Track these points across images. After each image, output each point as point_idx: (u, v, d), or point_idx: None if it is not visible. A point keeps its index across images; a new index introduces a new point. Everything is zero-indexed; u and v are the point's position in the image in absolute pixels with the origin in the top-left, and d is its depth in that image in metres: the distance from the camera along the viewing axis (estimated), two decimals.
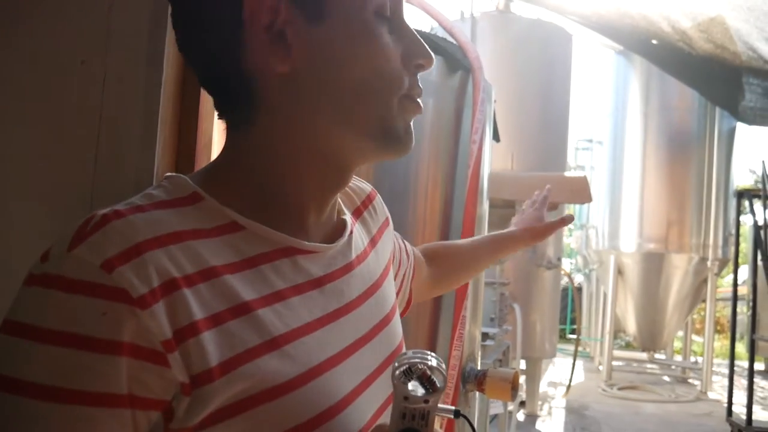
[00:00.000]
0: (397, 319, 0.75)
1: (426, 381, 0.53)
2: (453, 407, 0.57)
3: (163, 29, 0.76)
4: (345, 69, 0.59)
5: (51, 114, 0.79)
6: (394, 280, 0.85)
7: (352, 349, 0.62)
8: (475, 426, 0.65)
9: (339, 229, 0.69)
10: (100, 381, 0.46)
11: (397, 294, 0.88)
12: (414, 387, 0.53)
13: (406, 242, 0.98)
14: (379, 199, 0.83)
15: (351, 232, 0.70)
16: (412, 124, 0.63)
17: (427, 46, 0.63)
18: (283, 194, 0.61)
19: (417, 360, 0.53)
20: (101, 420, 0.46)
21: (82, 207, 0.76)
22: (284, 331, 0.55)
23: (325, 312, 0.61)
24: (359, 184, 0.81)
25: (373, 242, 0.76)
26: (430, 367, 0.53)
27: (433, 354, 0.55)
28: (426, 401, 0.53)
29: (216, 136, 0.82)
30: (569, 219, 1.29)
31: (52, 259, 0.49)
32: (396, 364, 0.53)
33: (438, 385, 0.53)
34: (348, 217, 0.72)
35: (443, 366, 0.54)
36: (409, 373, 0.53)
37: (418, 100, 0.63)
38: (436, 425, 0.54)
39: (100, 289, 0.46)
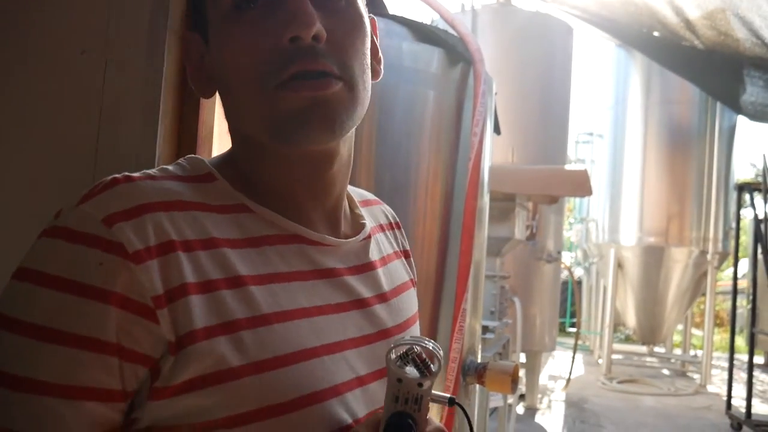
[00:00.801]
0: (413, 332, 0.74)
1: (421, 364, 0.53)
2: (447, 395, 0.56)
3: (164, 18, 0.75)
4: (225, 80, 0.61)
5: (51, 104, 0.79)
6: None
7: (354, 343, 0.62)
8: (474, 418, 0.64)
9: (355, 230, 0.70)
10: (90, 326, 0.49)
11: None
12: (408, 370, 0.52)
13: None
14: (403, 232, 0.84)
15: (369, 236, 0.71)
16: (319, 108, 0.57)
17: (303, 10, 0.56)
18: (271, 182, 0.62)
19: (413, 343, 0.53)
20: (88, 363, 0.49)
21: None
22: (276, 310, 0.56)
23: (327, 302, 0.61)
24: (390, 211, 0.84)
25: (394, 256, 0.77)
26: (426, 351, 0.53)
27: (430, 340, 0.54)
28: (420, 385, 0.52)
29: (217, 126, 0.82)
30: None
31: (62, 214, 0.52)
32: (392, 346, 0.53)
33: (432, 369, 0.52)
34: (368, 222, 0.72)
35: (440, 351, 0.53)
36: (405, 356, 0.53)
37: (304, 76, 0.56)
38: (434, 414, 0.53)
39: (99, 241, 0.50)
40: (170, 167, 0.60)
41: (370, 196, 0.82)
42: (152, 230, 0.51)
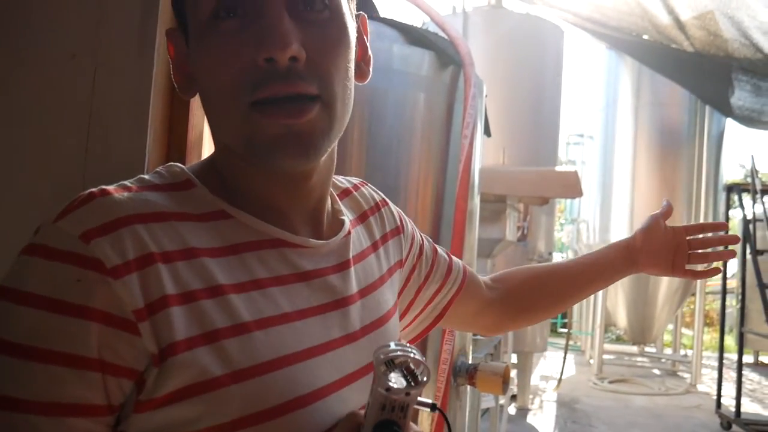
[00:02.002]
0: (392, 324, 0.74)
1: (409, 374, 0.52)
2: (430, 401, 0.56)
3: (154, 22, 0.76)
4: (203, 87, 0.61)
5: (41, 107, 0.79)
6: (407, 285, 0.84)
7: (336, 344, 0.62)
8: (466, 419, 0.65)
9: (335, 228, 0.69)
10: (71, 343, 0.49)
11: (413, 302, 0.86)
12: (396, 379, 0.52)
13: (457, 261, 0.93)
14: (390, 209, 0.82)
15: (348, 233, 0.70)
16: (295, 129, 0.55)
17: (280, 30, 0.53)
18: (251, 188, 0.62)
19: (401, 352, 0.53)
20: (71, 380, 0.49)
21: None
22: (257, 317, 0.56)
23: (309, 305, 0.61)
24: (370, 191, 0.81)
25: (374, 246, 0.76)
26: (415, 361, 0.53)
27: (413, 347, 0.54)
28: (407, 394, 0.52)
29: (207, 130, 0.82)
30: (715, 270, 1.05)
31: (40, 231, 0.52)
32: (380, 356, 0.53)
33: (420, 379, 0.52)
34: (347, 218, 0.72)
35: (424, 359, 0.53)
36: (392, 364, 0.52)
37: (282, 102, 0.54)
38: (425, 427, 0.54)
39: (76, 258, 0.49)
40: (147, 176, 0.60)
41: (348, 183, 0.79)
42: (130, 244, 0.51)
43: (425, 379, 0.52)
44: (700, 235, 1.01)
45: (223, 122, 0.59)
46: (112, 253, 0.50)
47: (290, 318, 0.58)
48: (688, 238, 1.00)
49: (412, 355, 0.53)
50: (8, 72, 0.80)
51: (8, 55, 0.80)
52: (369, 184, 0.83)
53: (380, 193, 0.83)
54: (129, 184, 0.57)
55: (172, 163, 0.63)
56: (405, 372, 0.52)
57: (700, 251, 1.00)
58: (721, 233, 1.03)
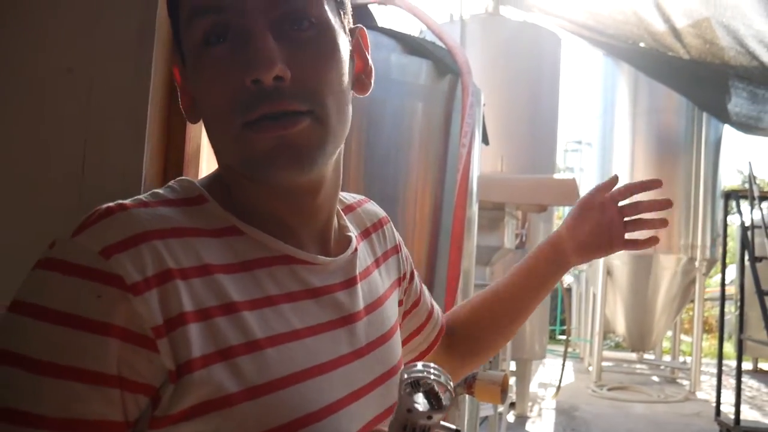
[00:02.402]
0: (396, 340, 0.74)
1: (433, 397, 0.52)
2: (455, 427, 0.55)
3: (151, 37, 0.76)
4: (200, 110, 0.62)
5: (38, 122, 0.79)
6: (399, 307, 0.84)
7: (344, 360, 0.63)
8: (464, 427, 0.65)
9: (343, 245, 0.70)
10: (91, 359, 0.49)
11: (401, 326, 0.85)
12: (419, 401, 0.52)
13: (436, 307, 0.93)
14: (390, 226, 0.83)
15: (356, 250, 0.71)
16: (290, 145, 0.56)
17: (263, 52, 0.54)
18: (259, 205, 0.62)
19: (426, 374, 0.52)
20: (90, 396, 0.49)
21: (70, 215, 0.76)
22: (269, 334, 0.56)
23: (318, 321, 0.62)
24: (373, 208, 0.82)
25: (377, 263, 0.77)
26: (439, 384, 0.52)
27: (441, 369, 0.54)
28: (429, 417, 0.52)
29: (205, 144, 0.82)
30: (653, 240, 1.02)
31: (57, 246, 0.52)
32: (405, 376, 0.52)
33: (444, 403, 0.52)
34: (354, 234, 0.73)
35: (451, 383, 0.53)
36: (416, 386, 0.52)
37: (272, 118, 0.55)
38: None
39: (96, 274, 0.49)
40: (161, 191, 0.60)
41: (352, 199, 0.81)
42: (149, 260, 0.51)
43: (448, 403, 0.52)
44: (635, 199, 1.00)
45: (220, 143, 0.61)
46: (133, 269, 0.50)
47: (301, 335, 0.59)
48: (620, 204, 0.98)
49: (438, 378, 0.52)
50: (4, 85, 0.80)
51: (4, 68, 0.80)
52: (372, 201, 0.84)
53: (380, 209, 0.84)
54: (145, 199, 0.57)
55: (183, 177, 0.64)
56: (429, 394, 0.52)
57: (634, 217, 1.00)
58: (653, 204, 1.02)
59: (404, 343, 0.85)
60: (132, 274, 0.50)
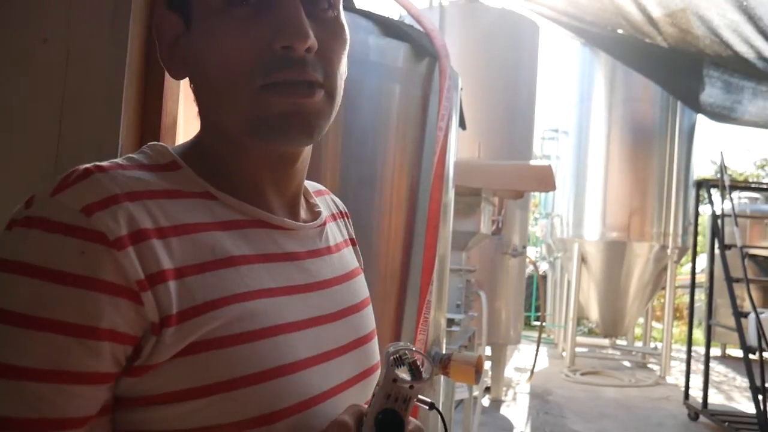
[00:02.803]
0: (368, 313, 0.77)
1: (415, 369, 0.58)
2: (430, 400, 0.62)
3: (127, 7, 0.75)
4: (205, 70, 0.62)
5: (13, 93, 0.78)
6: None
7: (314, 322, 0.65)
8: (445, 417, 0.70)
9: (313, 217, 0.73)
10: (76, 313, 0.50)
11: None
12: (403, 372, 0.58)
13: None
14: (350, 221, 0.87)
15: (324, 223, 0.74)
16: (305, 110, 0.59)
17: (299, 22, 0.58)
18: (237, 171, 0.64)
19: (409, 350, 0.59)
20: (78, 350, 0.50)
21: (45, 186, 0.75)
22: (245, 290, 0.58)
23: (289, 283, 0.64)
24: (337, 200, 0.86)
25: (346, 243, 0.81)
26: (421, 359, 0.59)
27: (420, 351, 0.61)
28: (411, 387, 0.57)
29: (182, 116, 0.82)
30: None
31: (36, 204, 0.53)
32: (391, 350, 0.58)
33: (424, 375, 0.58)
34: (323, 211, 0.76)
35: (431, 359, 0.59)
36: (401, 360, 0.58)
37: (292, 84, 0.59)
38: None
39: (78, 231, 0.51)
40: (135, 156, 0.61)
41: (320, 187, 0.85)
42: (128, 219, 0.53)
43: (428, 376, 0.58)
44: None
45: (227, 104, 0.61)
46: (114, 226, 0.52)
47: (274, 293, 0.61)
48: None
49: (419, 353, 0.59)
50: None
51: None
52: (333, 194, 0.88)
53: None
54: (121, 162, 0.59)
55: (156, 142, 0.65)
56: (411, 368, 0.58)
57: None
58: None
59: None
60: (114, 230, 0.51)
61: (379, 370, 0.74)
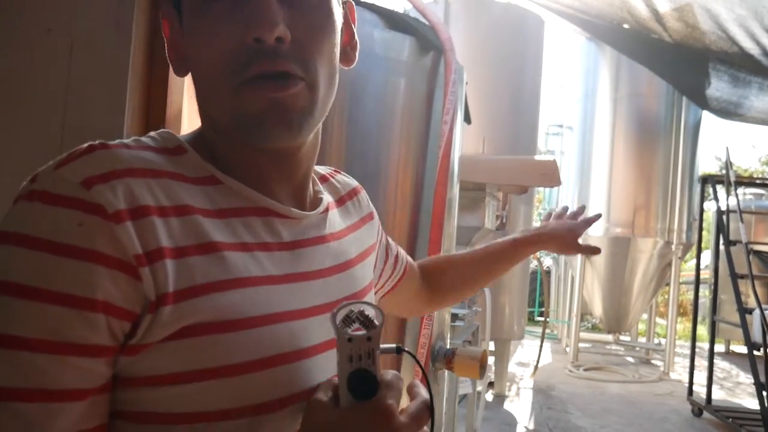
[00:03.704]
0: (369, 299, 0.77)
1: (365, 320, 0.56)
2: (394, 345, 0.60)
3: None
4: (194, 66, 0.63)
5: (17, 83, 0.78)
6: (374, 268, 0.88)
7: (316, 311, 0.65)
8: (443, 405, 0.69)
9: (315, 204, 0.72)
10: (73, 284, 0.50)
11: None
12: (354, 328, 0.56)
13: (402, 251, 1.01)
14: (364, 195, 0.87)
15: (327, 209, 0.73)
16: (286, 106, 0.58)
17: (266, 12, 0.56)
18: (239, 161, 0.64)
19: (351, 305, 0.57)
20: (74, 321, 0.50)
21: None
22: (246, 275, 0.58)
23: (291, 271, 0.63)
24: (346, 179, 0.85)
25: (352, 228, 0.80)
26: (366, 307, 0.57)
27: (367, 302, 0.59)
28: (369, 338, 0.56)
29: (186, 106, 0.82)
30: (596, 249, 1.24)
31: (39, 178, 0.53)
32: (335, 312, 0.56)
33: (376, 322, 0.56)
34: (326, 197, 0.75)
35: (379, 308, 0.57)
36: (348, 318, 0.56)
37: (266, 77, 0.58)
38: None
39: (77, 203, 0.51)
40: (143, 138, 0.62)
41: (325, 170, 0.84)
42: (129, 194, 0.53)
43: (380, 322, 0.56)
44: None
45: (212, 99, 0.62)
46: (114, 199, 0.52)
47: (275, 281, 0.61)
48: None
49: (362, 304, 0.57)
50: None
51: None
52: (342, 172, 0.87)
53: (353, 179, 0.88)
54: (127, 142, 0.59)
55: (163, 129, 0.65)
56: (362, 321, 0.56)
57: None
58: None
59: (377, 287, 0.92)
60: (113, 203, 0.51)
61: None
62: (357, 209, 0.83)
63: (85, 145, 0.55)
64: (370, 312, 0.57)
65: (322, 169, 0.83)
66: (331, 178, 0.83)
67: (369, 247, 0.82)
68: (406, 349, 0.62)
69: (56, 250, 0.50)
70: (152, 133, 0.63)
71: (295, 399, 0.59)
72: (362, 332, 0.56)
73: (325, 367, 0.62)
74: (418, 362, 0.68)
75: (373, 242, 0.85)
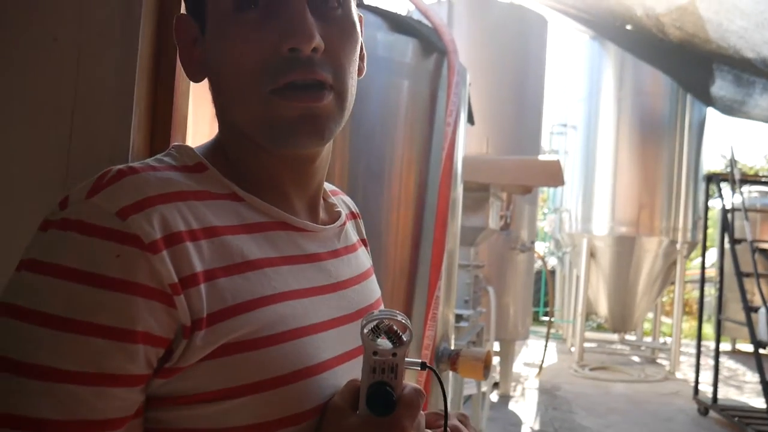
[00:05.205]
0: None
1: (393, 335, 0.56)
2: (419, 360, 0.60)
3: (138, 4, 0.76)
4: (219, 73, 0.63)
5: (23, 92, 0.79)
6: None
7: (337, 322, 0.66)
8: (448, 405, 0.68)
9: (333, 218, 0.74)
10: (113, 316, 0.50)
11: None
12: (382, 342, 0.56)
13: None
14: (362, 221, 0.88)
15: (344, 224, 0.75)
16: (317, 113, 0.59)
17: (304, 23, 0.58)
18: (258, 171, 0.65)
19: (384, 317, 0.57)
20: (115, 353, 0.50)
21: (57, 184, 0.76)
22: (271, 292, 0.59)
23: (312, 285, 0.65)
24: (350, 200, 0.87)
25: (363, 243, 0.83)
26: (396, 322, 0.57)
27: (399, 312, 0.58)
28: (394, 354, 0.56)
29: (191, 113, 0.83)
30: None
31: (71, 206, 0.53)
32: (364, 322, 0.57)
33: (404, 339, 0.56)
34: (343, 211, 0.77)
35: (408, 322, 0.57)
36: (377, 329, 0.57)
37: (302, 87, 0.59)
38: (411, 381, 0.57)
39: (114, 234, 0.51)
40: (164, 157, 0.62)
41: (333, 187, 0.85)
42: (162, 222, 0.53)
43: (407, 339, 0.56)
44: None
45: (239, 106, 0.62)
46: (149, 229, 0.52)
47: (299, 295, 0.62)
48: None
49: (394, 317, 0.57)
50: None
51: None
52: (346, 195, 0.89)
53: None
54: (152, 164, 0.59)
55: (180, 144, 0.65)
56: (390, 335, 0.57)
57: None
58: None
59: None
60: (149, 234, 0.52)
61: None
62: (357, 231, 0.84)
63: (114, 169, 0.55)
64: (399, 327, 0.57)
65: (329, 185, 0.84)
66: (341, 195, 0.85)
67: (370, 267, 0.84)
68: (430, 366, 0.63)
69: (95, 282, 0.50)
70: (171, 150, 0.64)
71: (321, 409, 0.60)
72: (389, 347, 0.56)
73: (349, 376, 0.63)
74: (441, 385, 0.68)
75: (371, 265, 0.86)
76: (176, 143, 0.66)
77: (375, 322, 0.57)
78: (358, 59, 0.66)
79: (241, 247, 0.59)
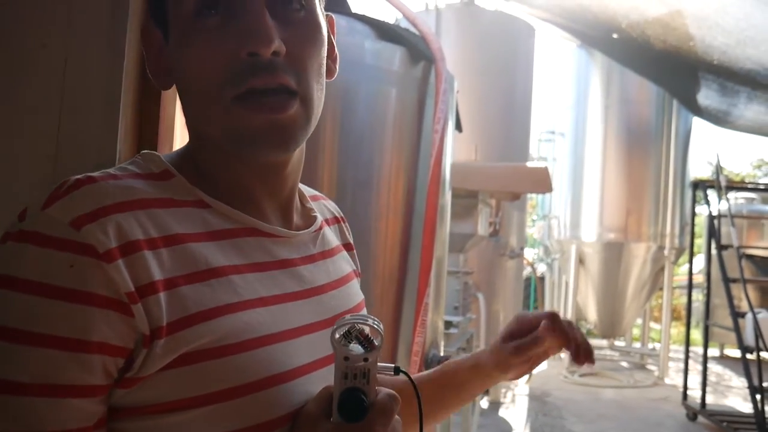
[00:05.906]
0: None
1: (364, 340, 0.56)
2: (392, 365, 0.60)
3: (125, 12, 0.76)
4: (183, 80, 0.63)
5: (11, 99, 0.79)
6: None
7: (311, 328, 0.65)
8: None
9: (307, 223, 0.72)
10: (68, 327, 0.50)
11: None
12: (354, 347, 0.56)
13: None
14: (348, 225, 0.86)
15: (320, 228, 0.73)
16: (282, 119, 0.58)
17: (263, 27, 0.57)
18: (227, 178, 0.64)
19: (355, 321, 0.56)
20: (69, 364, 0.50)
21: (44, 190, 0.76)
22: (236, 300, 0.58)
23: (283, 291, 0.64)
24: (333, 205, 0.86)
25: (347, 246, 0.81)
26: (368, 327, 0.56)
27: (371, 316, 0.58)
28: (365, 359, 0.55)
29: (179, 119, 0.83)
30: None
31: (28, 218, 0.53)
32: (335, 327, 0.56)
33: (375, 343, 0.56)
34: (319, 215, 0.75)
35: (380, 326, 0.57)
36: (348, 335, 0.56)
37: (263, 93, 0.58)
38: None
39: (69, 244, 0.50)
40: (128, 165, 0.61)
41: (315, 192, 0.84)
42: (118, 231, 0.52)
43: (379, 344, 0.56)
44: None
45: (204, 115, 0.62)
46: (104, 238, 0.51)
47: (267, 302, 0.61)
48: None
49: (365, 321, 0.56)
50: None
51: None
52: (329, 200, 0.87)
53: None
54: (113, 172, 0.58)
55: (147, 151, 0.64)
56: (361, 340, 0.56)
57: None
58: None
59: None
60: (104, 243, 0.51)
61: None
62: (340, 236, 0.83)
63: (72, 179, 0.55)
64: (371, 331, 0.56)
65: (312, 191, 0.83)
66: (322, 200, 0.83)
67: (353, 271, 0.82)
68: (404, 370, 0.62)
69: (50, 293, 0.50)
70: (137, 158, 0.63)
71: (290, 418, 0.59)
72: (360, 352, 0.55)
73: (325, 382, 0.62)
74: (415, 387, 0.66)
75: (355, 270, 0.84)
76: (144, 150, 0.65)
77: (346, 327, 0.56)
78: (324, 61, 0.65)
79: (205, 254, 0.58)
